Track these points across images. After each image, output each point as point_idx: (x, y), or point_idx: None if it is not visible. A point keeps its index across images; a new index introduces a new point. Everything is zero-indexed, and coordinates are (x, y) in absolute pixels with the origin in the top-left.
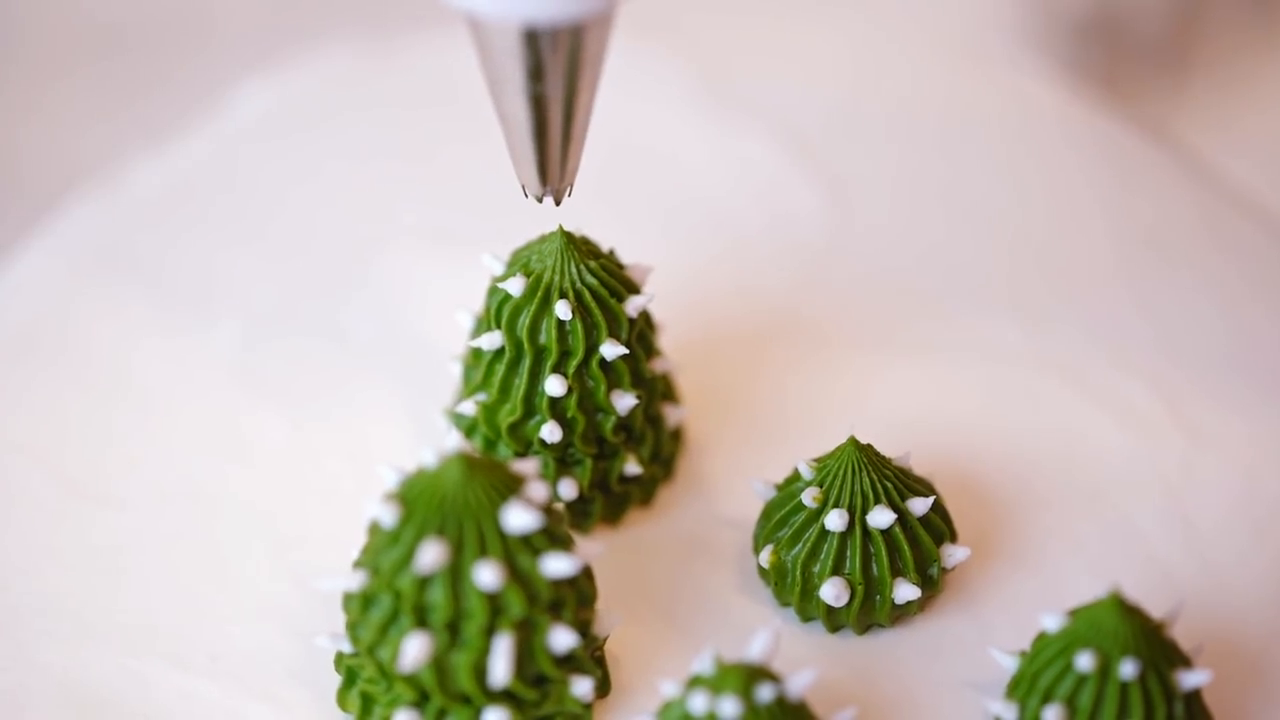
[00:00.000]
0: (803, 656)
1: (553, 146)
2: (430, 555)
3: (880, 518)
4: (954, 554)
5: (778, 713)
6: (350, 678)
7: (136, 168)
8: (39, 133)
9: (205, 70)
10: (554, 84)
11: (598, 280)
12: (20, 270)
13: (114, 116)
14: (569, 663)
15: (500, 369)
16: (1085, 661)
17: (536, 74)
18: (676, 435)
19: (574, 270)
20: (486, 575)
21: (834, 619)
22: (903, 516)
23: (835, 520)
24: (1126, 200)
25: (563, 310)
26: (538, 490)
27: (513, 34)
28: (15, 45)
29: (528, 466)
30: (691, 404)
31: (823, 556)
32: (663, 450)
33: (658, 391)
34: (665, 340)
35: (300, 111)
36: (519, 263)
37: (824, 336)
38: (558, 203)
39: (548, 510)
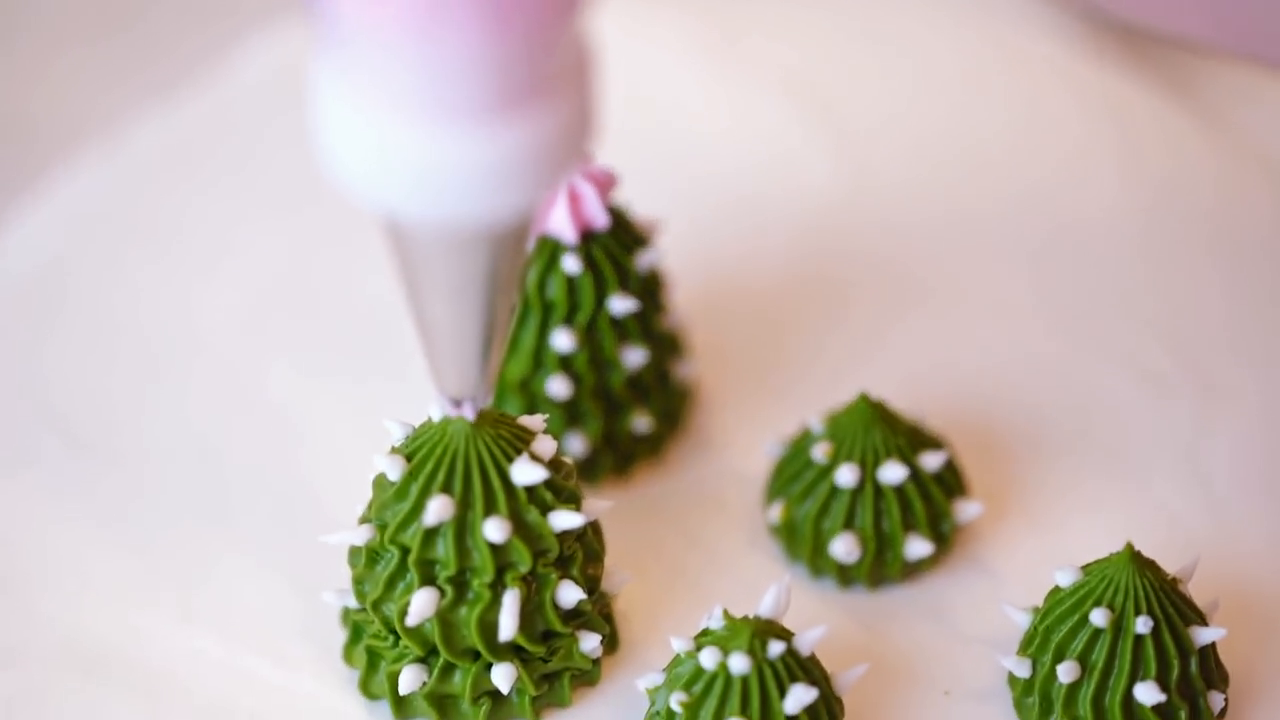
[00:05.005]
0: (813, 613)
1: (475, 350)
2: (436, 510)
3: (892, 473)
4: (966, 510)
5: (788, 668)
6: (356, 633)
7: (142, 125)
8: (43, 92)
9: (210, 27)
10: (477, 285)
11: (607, 235)
12: (27, 228)
13: (119, 74)
14: (577, 618)
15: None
16: (1099, 617)
17: (463, 276)
18: (686, 391)
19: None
20: (493, 530)
21: (845, 575)
22: (915, 472)
23: (846, 476)
24: (1143, 156)
25: (571, 265)
26: (546, 445)
27: (437, 236)
28: (17, 4)
29: (536, 422)
30: (701, 360)
31: (833, 512)
32: (672, 406)
33: (667, 347)
34: (676, 296)
35: (305, 68)
36: None
37: (836, 293)
38: (475, 411)
39: (555, 465)
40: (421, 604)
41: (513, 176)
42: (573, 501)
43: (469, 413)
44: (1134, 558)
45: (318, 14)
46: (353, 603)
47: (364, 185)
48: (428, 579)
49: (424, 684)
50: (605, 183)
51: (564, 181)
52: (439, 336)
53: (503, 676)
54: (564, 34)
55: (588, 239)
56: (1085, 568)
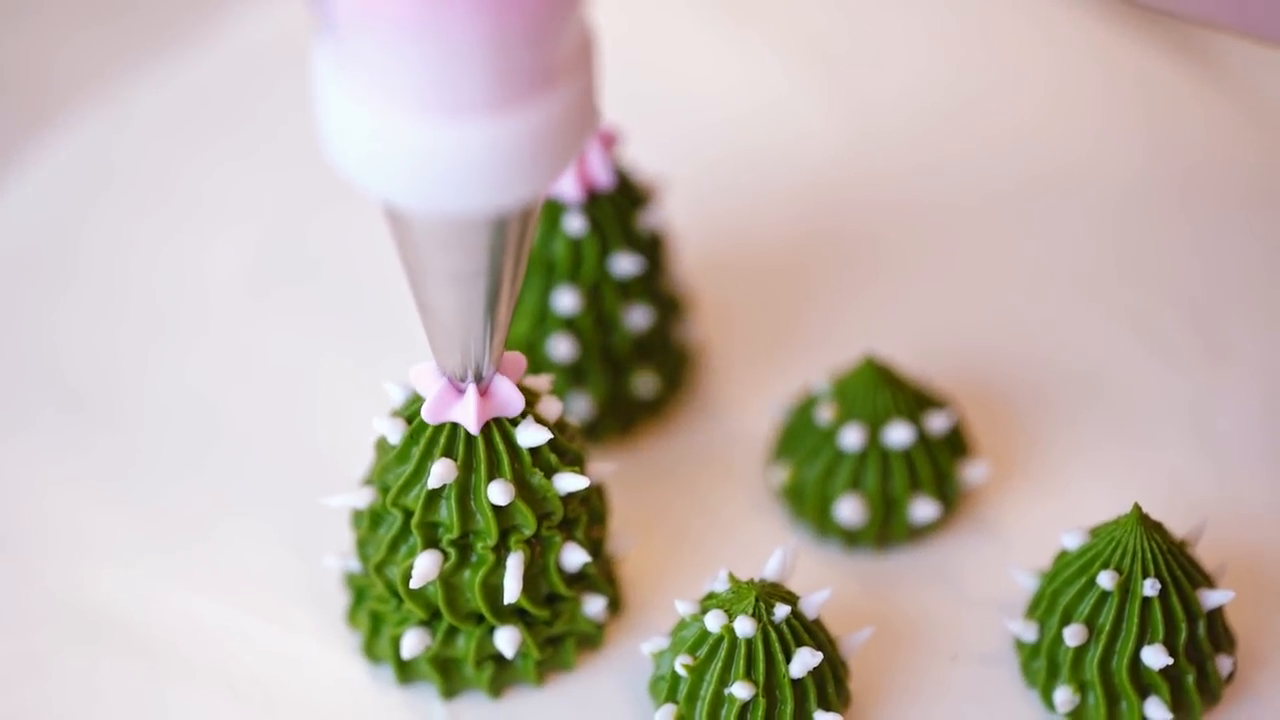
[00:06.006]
0: (819, 576)
1: (478, 334)
2: (439, 473)
3: (898, 435)
4: (973, 472)
5: (793, 632)
6: (359, 597)
7: (144, 85)
8: (44, 53)
9: None
10: (479, 272)
11: (611, 194)
12: (26, 186)
13: (120, 34)
14: (581, 581)
15: None
16: (1106, 579)
17: (464, 266)
18: (691, 352)
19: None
20: (497, 493)
21: (851, 538)
22: (921, 434)
23: (852, 438)
24: (1156, 122)
25: (575, 224)
26: (550, 406)
27: (436, 227)
28: None
29: (540, 382)
30: (707, 321)
31: (839, 475)
32: (677, 367)
33: (672, 308)
34: (681, 257)
35: (306, 26)
36: None
37: (844, 255)
38: (481, 388)
39: (560, 427)
40: (425, 567)
41: (512, 169)
42: (577, 463)
43: (471, 393)
44: (1141, 520)
45: (316, 3)
46: (355, 566)
47: (364, 175)
48: (431, 542)
49: (427, 648)
50: (609, 141)
51: (565, 173)
52: (440, 323)
53: (506, 640)
54: (563, 25)
55: (592, 198)
56: (1092, 530)
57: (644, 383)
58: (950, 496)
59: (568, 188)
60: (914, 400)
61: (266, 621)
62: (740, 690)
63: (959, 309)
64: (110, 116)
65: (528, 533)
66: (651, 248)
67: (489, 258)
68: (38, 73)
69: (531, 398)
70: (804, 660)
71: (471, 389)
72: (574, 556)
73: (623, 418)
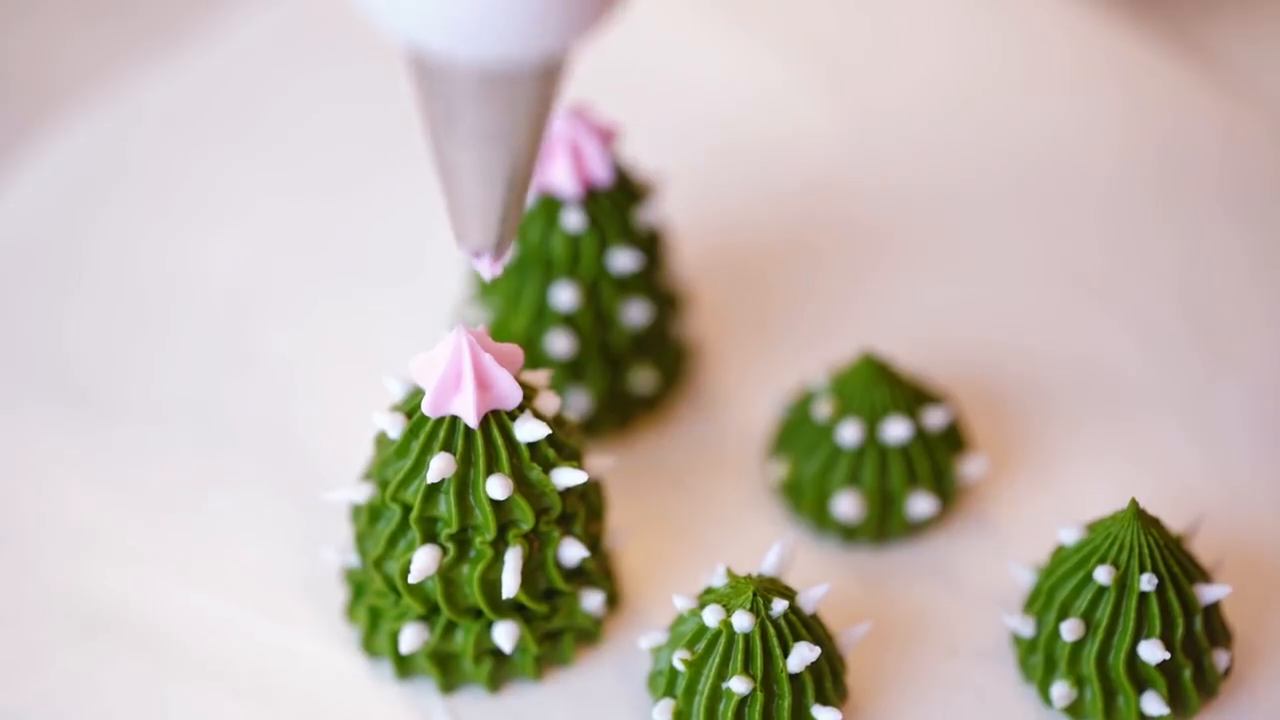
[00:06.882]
0: (816, 571)
1: (499, 199)
2: (438, 467)
3: (896, 431)
4: (971, 468)
5: (791, 627)
6: (358, 591)
7: (147, 80)
8: (48, 47)
9: None
10: (507, 130)
11: (610, 190)
12: (31, 183)
13: (124, 29)
14: (579, 576)
15: (510, 281)
16: (1103, 574)
17: (492, 121)
18: (689, 348)
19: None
20: (495, 487)
21: (849, 533)
22: (919, 430)
23: (850, 433)
24: (1153, 116)
25: (573, 220)
26: (548, 401)
27: (466, 77)
28: None
29: (538, 378)
30: (706, 317)
31: (837, 471)
32: (675, 363)
33: (670, 304)
34: (680, 252)
35: (312, 23)
36: None
37: (843, 251)
38: (496, 258)
39: (558, 422)
40: (423, 562)
41: (547, 17)
42: (575, 458)
43: (487, 266)
44: (1139, 515)
45: None
46: (354, 561)
47: (394, 20)
48: (429, 536)
49: (426, 642)
50: (608, 136)
51: (601, 27)
52: (462, 184)
53: (505, 635)
54: None
55: (590, 194)
56: (1090, 525)
57: (642, 378)
58: (948, 492)
59: (566, 183)
60: (912, 396)
61: (266, 616)
62: (738, 685)
63: (958, 304)
64: (116, 113)
65: (526, 527)
66: (650, 244)
67: (511, 116)
68: (43, 69)
69: (530, 393)
70: (802, 655)
71: (470, 385)
72: (572, 551)
73: (621, 413)
